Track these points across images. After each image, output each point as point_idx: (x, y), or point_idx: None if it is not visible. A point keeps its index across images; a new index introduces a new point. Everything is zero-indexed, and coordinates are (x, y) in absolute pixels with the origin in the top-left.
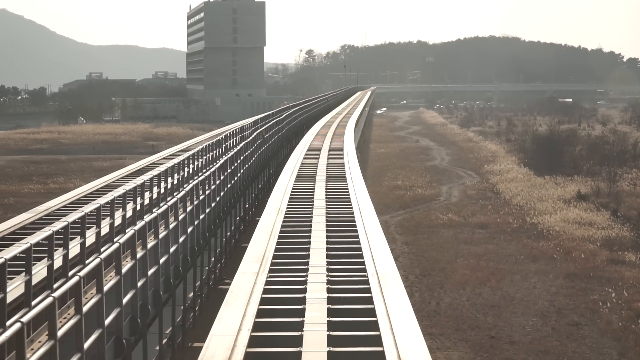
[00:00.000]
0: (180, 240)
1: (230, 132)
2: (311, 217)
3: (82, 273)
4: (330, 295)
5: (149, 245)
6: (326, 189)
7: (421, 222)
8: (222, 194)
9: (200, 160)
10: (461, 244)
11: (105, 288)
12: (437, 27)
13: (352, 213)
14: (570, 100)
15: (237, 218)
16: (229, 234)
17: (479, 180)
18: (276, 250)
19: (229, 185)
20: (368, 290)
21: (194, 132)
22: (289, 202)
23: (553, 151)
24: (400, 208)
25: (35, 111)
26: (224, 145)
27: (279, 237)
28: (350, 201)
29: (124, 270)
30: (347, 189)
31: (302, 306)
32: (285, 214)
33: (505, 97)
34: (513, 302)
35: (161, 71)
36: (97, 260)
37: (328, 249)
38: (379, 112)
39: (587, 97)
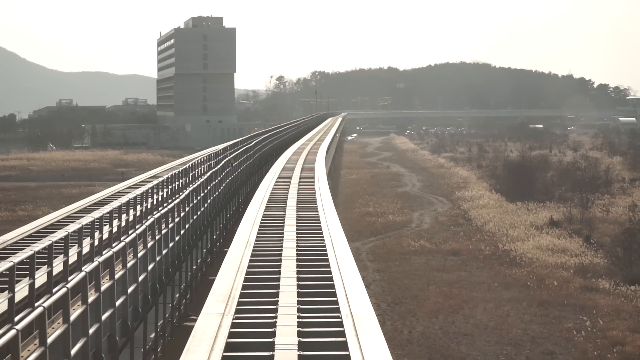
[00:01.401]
0: (140, 278)
1: (197, 161)
2: (281, 250)
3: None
4: (301, 339)
5: (103, 288)
6: (297, 219)
7: (393, 249)
8: (187, 226)
9: (165, 189)
10: (433, 272)
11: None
12: (407, 53)
13: (324, 246)
14: (541, 126)
15: (204, 250)
16: (194, 267)
17: (451, 206)
18: (244, 287)
19: (195, 217)
20: (342, 334)
21: (164, 159)
22: (258, 233)
23: (525, 177)
24: (371, 235)
25: (5, 138)
26: (190, 174)
27: (247, 273)
28: (322, 233)
29: (55, 333)
30: (319, 219)
31: (270, 352)
32: (254, 247)
33: (476, 122)
34: (486, 330)
35: (131, 98)
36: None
37: (299, 286)
38: (349, 137)
39: (558, 123)
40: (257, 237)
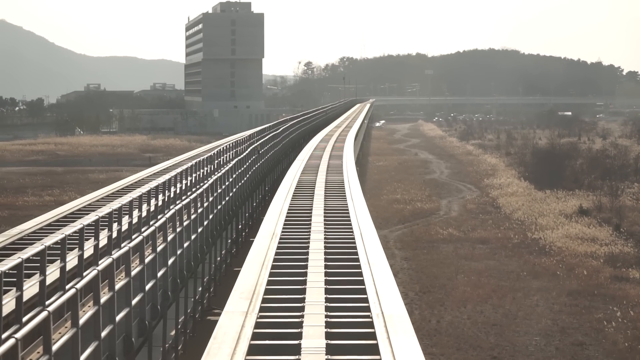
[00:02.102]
0: (160, 273)
1: (222, 148)
2: (308, 242)
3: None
4: (329, 342)
5: (117, 286)
6: (325, 209)
7: (421, 237)
8: (211, 216)
9: (189, 177)
10: (462, 260)
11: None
12: (436, 40)
13: (353, 238)
14: (569, 113)
15: (229, 241)
16: (219, 259)
17: (479, 194)
18: (269, 283)
19: (219, 206)
20: (373, 336)
21: (192, 144)
22: (285, 224)
23: (554, 165)
24: (399, 222)
25: (33, 122)
26: (216, 162)
27: (272, 268)
28: (350, 224)
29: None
30: (347, 209)
31: (296, 357)
32: (280, 238)
33: (505, 110)
34: (515, 320)
35: (159, 83)
36: (44, 313)
37: (327, 283)
38: (377, 124)
39: (586, 110)
40: (283, 228)
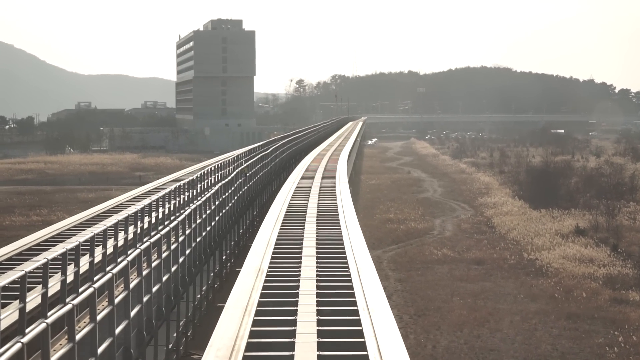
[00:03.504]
0: (133, 313)
1: (206, 171)
2: (298, 282)
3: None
4: None
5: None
6: (317, 240)
7: (415, 258)
8: (188, 250)
9: (173, 201)
10: (457, 282)
11: None
12: (428, 58)
13: (349, 276)
14: (562, 131)
15: (212, 274)
16: (199, 296)
17: (473, 213)
18: (251, 335)
19: (199, 238)
20: None
21: (183, 163)
22: (272, 258)
23: (548, 184)
24: (392, 242)
25: (23, 140)
26: (198, 186)
27: (257, 314)
28: (346, 258)
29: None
30: (342, 240)
31: None
32: (267, 276)
33: (497, 127)
34: (514, 345)
35: (151, 101)
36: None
37: (319, 334)
38: (369, 142)
39: (579, 128)
40: (271, 263)
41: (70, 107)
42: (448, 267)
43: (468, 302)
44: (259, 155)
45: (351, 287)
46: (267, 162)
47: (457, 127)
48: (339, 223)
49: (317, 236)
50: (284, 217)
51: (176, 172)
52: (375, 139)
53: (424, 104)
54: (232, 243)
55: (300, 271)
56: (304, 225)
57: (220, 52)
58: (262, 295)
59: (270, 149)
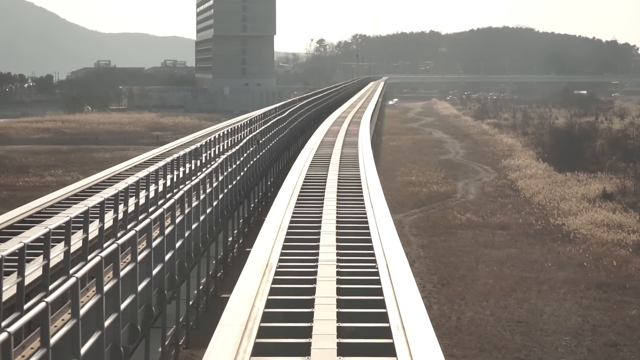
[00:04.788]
0: (140, 288)
1: (212, 138)
2: (315, 283)
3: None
4: None
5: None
6: (337, 223)
7: (437, 223)
8: (191, 230)
9: (172, 175)
10: (481, 248)
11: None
12: (450, 18)
13: (377, 270)
14: (585, 92)
15: (214, 262)
16: (201, 287)
17: (497, 176)
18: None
19: (202, 217)
20: None
21: (202, 123)
22: (284, 248)
23: (573, 146)
24: (414, 206)
25: (42, 99)
26: (203, 156)
27: (259, 335)
28: (374, 254)
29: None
30: (367, 224)
31: None
32: (276, 274)
33: (519, 88)
34: (542, 317)
35: (170, 59)
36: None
37: (340, 335)
38: (390, 102)
39: (601, 89)
40: (281, 256)
41: (90, 66)
42: (472, 233)
43: (494, 270)
44: (275, 120)
45: (381, 295)
46: (284, 127)
47: (478, 87)
48: (362, 201)
49: (337, 217)
50: (300, 193)
51: (195, 132)
52: (396, 99)
53: (445, 64)
54: (241, 221)
55: (317, 268)
56: (323, 205)
57: (240, 11)
58: (267, 304)
59: (287, 111)
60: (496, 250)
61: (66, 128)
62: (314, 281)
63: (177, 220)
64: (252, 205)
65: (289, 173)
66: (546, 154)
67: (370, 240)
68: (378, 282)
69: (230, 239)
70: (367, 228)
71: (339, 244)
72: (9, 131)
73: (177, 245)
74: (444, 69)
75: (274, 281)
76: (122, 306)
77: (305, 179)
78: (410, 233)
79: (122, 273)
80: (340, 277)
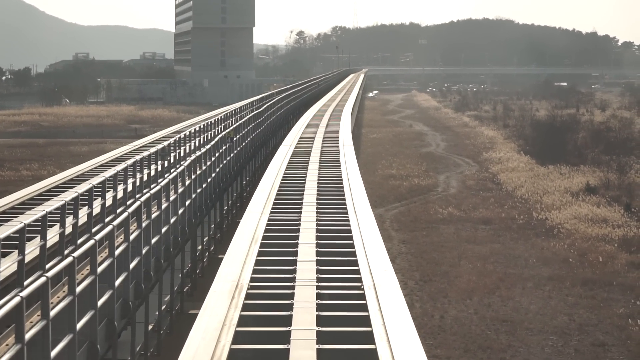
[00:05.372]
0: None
1: (183, 136)
2: (291, 310)
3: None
4: None
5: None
6: (317, 231)
7: (419, 217)
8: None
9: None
10: (464, 243)
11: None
12: (429, 9)
13: (363, 293)
14: (565, 84)
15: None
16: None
17: (478, 169)
18: None
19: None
20: None
21: (180, 115)
22: (256, 264)
23: (555, 138)
24: (395, 200)
25: (20, 92)
26: (170, 156)
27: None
28: (358, 269)
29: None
30: (349, 223)
31: None
32: (246, 297)
33: (499, 80)
34: (528, 315)
35: (149, 52)
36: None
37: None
38: (370, 94)
39: (581, 81)
40: (253, 273)
41: (68, 59)
42: (454, 227)
43: (477, 266)
44: (251, 115)
45: (368, 323)
46: (260, 122)
47: (458, 79)
48: (345, 205)
49: (317, 226)
50: (276, 196)
51: (174, 124)
52: (376, 91)
53: (425, 56)
54: (212, 226)
55: (293, 291)
56: (301, 208)
57: (219, 3)
58: (234, 339)
59: (264, 106)
60: (479, 246)
61: (43, 121)
62: (290, 307)
63: (144, 224)
64: (226, 207)
65: (265, 173)
66: (528, 147)
67: (354, 254)
68: (365, 307)
69: (199, 247)
70: (351, 239)
71: (318, 258)
72: None
73: (144, 251)
74: (424, 61)
75: (244, 307)
76: (78, 326)
77: (282, 179)
78: (391, 228)
79: (77, 289)
80: (320, 302)
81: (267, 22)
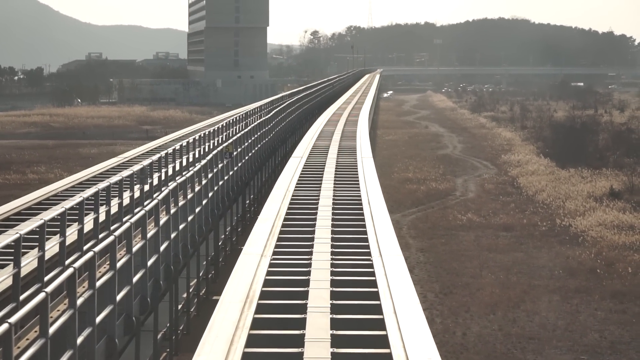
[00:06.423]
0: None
1: (171, 151)
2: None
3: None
4: None
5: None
6: (332, 274)
7: (437, 223)
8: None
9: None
10: (485, 252)
11: None
12: (444, 9)
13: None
14: (582, 84)
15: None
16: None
17: (497, 172)
18: None
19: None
20: None
21: (192, 116)
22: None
23: (575, 140)
24: (412, 205)
25: (32, 92)
26: (152, 179)
27: None
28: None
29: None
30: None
31: None
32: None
33: (515, 80)
34: (555, 332)
35: (162, 52)
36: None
37: None
38: (385, 95)
39: (598, 81)
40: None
41: (81, 58)
42: (474, 234)
43: (499, 277)
44: (255, 124)
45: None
46: (267, 131)
47: (474, 79)
48: (367, 240)
49: (331, 266)
50: (282, 228)
51: (186, 126)
52: (391, 92)
53: (440, 56)
54: (209, 258)
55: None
56: (312, 245)
57: (233, 2)
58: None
59: (273, 111)
60: (501, 255)
61: (54, 122)
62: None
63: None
64: (222, 238)
65: (270, 195)
66: (547, 149)
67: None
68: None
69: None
70: (377, 296)
71: (333, 295)
72: None
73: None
74: (439, 61)
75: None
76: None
77: (290, 203)
78: (408, 235)
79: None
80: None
81: (281, 21)
